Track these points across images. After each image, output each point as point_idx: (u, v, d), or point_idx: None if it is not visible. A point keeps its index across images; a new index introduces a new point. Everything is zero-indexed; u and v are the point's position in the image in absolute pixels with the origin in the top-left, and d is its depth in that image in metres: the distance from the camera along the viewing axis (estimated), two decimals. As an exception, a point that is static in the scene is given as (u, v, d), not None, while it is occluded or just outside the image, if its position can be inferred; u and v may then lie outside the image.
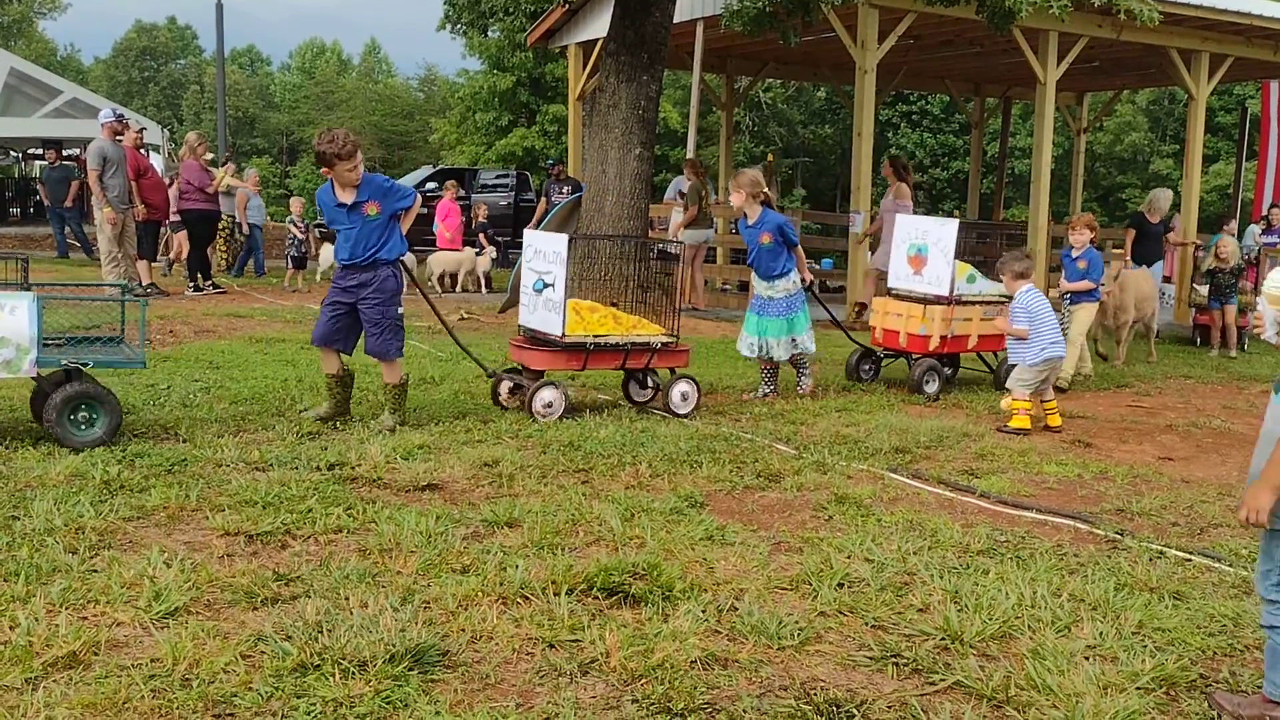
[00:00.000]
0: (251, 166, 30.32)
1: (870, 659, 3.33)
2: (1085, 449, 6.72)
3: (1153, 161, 43.68)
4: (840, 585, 3.93)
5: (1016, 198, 33.83)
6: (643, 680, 3.09)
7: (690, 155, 14.44)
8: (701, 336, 11.19)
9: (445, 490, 5.02)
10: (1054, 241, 14.88)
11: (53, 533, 4.06)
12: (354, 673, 3.01)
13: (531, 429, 6.32)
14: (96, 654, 3.10)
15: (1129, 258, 12.87)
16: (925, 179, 42.53)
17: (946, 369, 8.71)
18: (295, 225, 14.66)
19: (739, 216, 8.02)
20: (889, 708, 3.02)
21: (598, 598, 3.69)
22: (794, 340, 7.81)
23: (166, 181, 14.63)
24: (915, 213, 12.38)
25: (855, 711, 2.98)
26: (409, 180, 23.42)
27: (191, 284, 13.20)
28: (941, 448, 6.46)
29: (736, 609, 3.64)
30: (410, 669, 3.06)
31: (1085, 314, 8.98)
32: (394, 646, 3.13)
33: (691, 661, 3.22)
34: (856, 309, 12.35)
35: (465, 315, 12.02)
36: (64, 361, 5.40)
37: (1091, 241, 8.99)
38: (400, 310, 6.29)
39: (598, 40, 15.29)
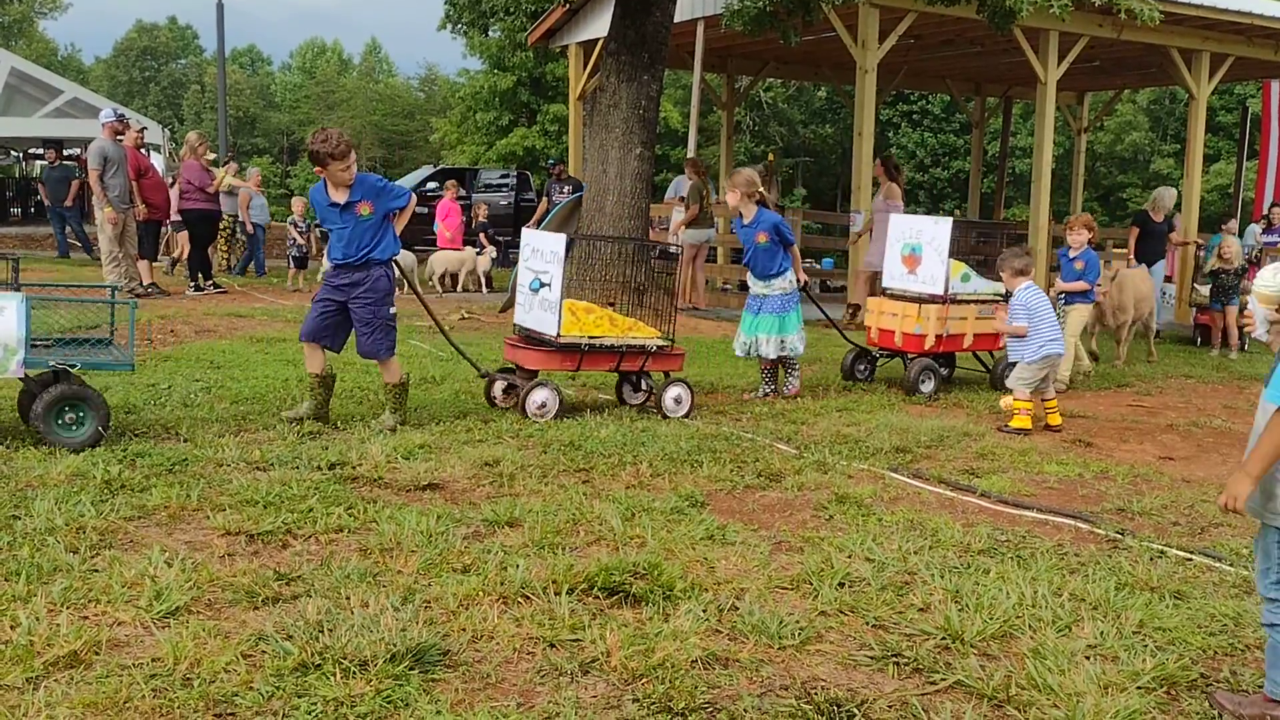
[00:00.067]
0: (253, 166, 30.31)
1: (871, 658, 3.33)
2: (1086, 448, 6.72)
3: (1153, 161, 43.66)
4: (841, 585, 3.93)
5: (1017, 197, 33.82)
6: (643, 680, 3.09)
7: (691, 155, 14.44)
8: (702, 336, 11.19)
9: (446, 490, 5.03)
10: (1055, 241, 14.88)
11: (54, 532, 4.06)
12: (355, 672, 3.01)
13: (532, 429, 6.32)
14: (97, 653, 3.10)
15: (1132, 256, 12.88)
16: (926, 179, 42.53)
17: (943, 368, 8.71)
18: (296, 226, 14.67)
19: (735, 216, 8.02)
20: (890, 707, 3.02)
21: (598, 597, 3.69)
22: (782, 341, 7.78)
23: (169, 181, 14.65)
24: (916, 213, 12.39)
25: (856, 711, 2.98)
26: (410, 180, 23.44)
27: (192, 284, 13.21)
28: (942, 447, 6.46)
29: (737, 608, 3.64)
30: (411, 668, 3.06)
31: (1078, 315, 8.96)
32: (395, 646, 3.13)
33: (692, 661, 3.22)
34: (850, 310, 12.35)
35: (466, 315, 12.02)
36: (51, 363, 5.38)
37: (1090, 242, 8.99)
38: (392, 310, 6.28)
39: (598, 40, 15.29)
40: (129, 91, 66.98)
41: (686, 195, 13.45)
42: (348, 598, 3.55)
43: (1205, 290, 12.98)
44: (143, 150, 13.11)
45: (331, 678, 2.98)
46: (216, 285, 13.51)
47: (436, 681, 3.04)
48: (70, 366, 5.39)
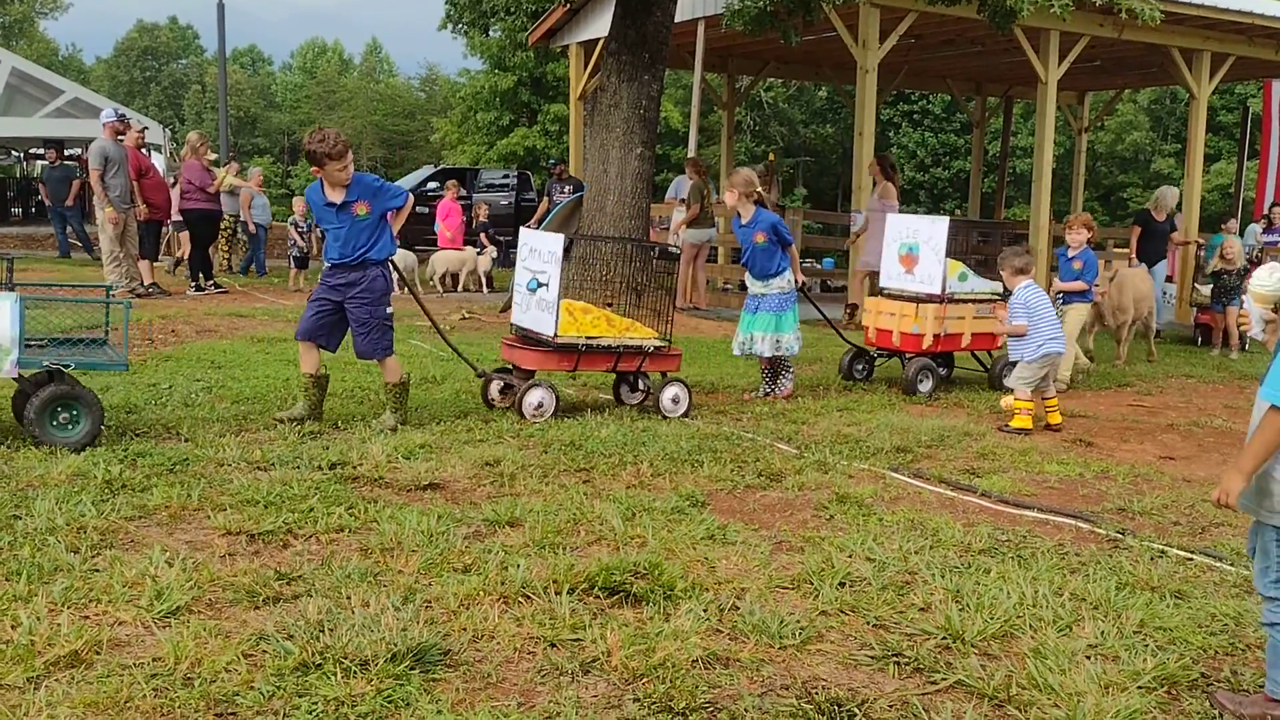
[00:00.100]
0: (255, 166, 30.32)
1: (872, 658, 3.33)
2: (1087, 448, 6.72)
3: (1154, 161, 43.66)
4: (842, 584, 3.93)
5: (1018, 197, 33.81)
6: (644, 679, 3.09)
7: (692, 154, 14.44)
8: (703, 336, 11.19)
9: (447, 489, 5.03)
10: (1056, 241, 14.87)
11: (55, 532, 4.06)
12: (356, 672, 3.01)
13: (533, 428, 6.32)
14: (98, 653, 3.10)
15: (1134, 255, 12.88)
16: (927, 178, 42.53)
17: (941, 368, 8.71)
18: (297, 226, 14.67)
19: (734, 215, 8.01)
20: (890, 707, 3.02)
21: (599, 597, 3.70)
22: (778, 340, 7.76)
23: (170, 181, 14.65)
24: (916, 212, 12.39)
25: (857, 710, 2.98)
26: (411, 180, 23.43)
27: (193, 284, 13.22)
28: (943, 447, 6.47)
29: (738, 608, 3.64)
30: (412, 668, 3.06)
31: (1076, 315, 8.93)
32: (396, 645, 3.13)
33: (693, 661, 3.22)
34: (848, 310, 12.35)
35: (467, 315, 12.03)
36: (45, 363, 5.38)
37: (1089, 241, 8.98)
38: (389, 310, 6.27)
39: (599, 40, 15.30)
40: (130, 91, 67.00)
41: (688, 195, 13.45)
42: (348, 597, 3.55)
43: (1206, 290, 12.98)
44: (143, 150, 13.12)
45: (332, 677, 2.98)
46: (217, 285, 13.52)
47: (437, 681, 3.04)
48: (64, 366, 5.38)
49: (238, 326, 10.41)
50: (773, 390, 7.89)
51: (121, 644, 3.18)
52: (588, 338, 6.78)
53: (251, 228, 16.13)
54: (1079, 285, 8.80)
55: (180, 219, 13.91)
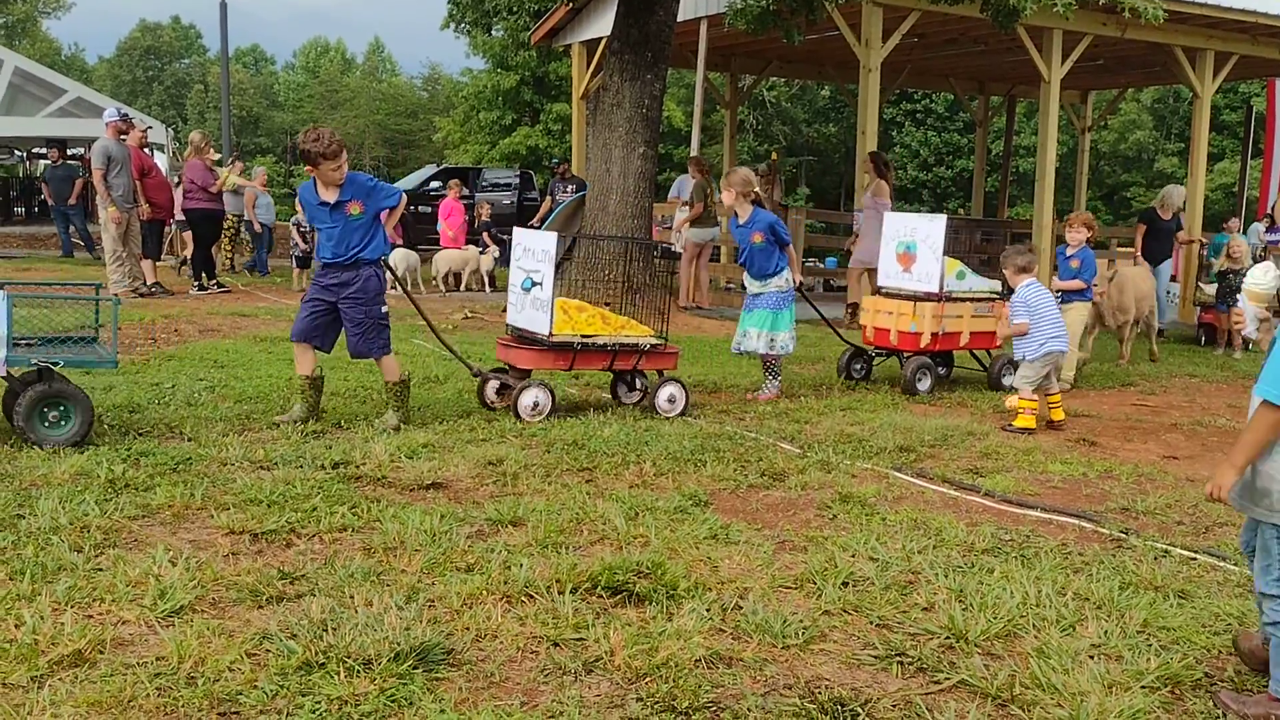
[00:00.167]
0: (259, 165, 30.35)
1: (875, 658, 3.33)
2: (1090, 448, 6.71)
3: (1157, 160, 43.63)
4: (845, 584, 3.93)
5: (1021, 196, 33.79)
6: (647, 679, 3.09)
7: (694, 154, 14.44)
8: (705, 336, 11.19)
9: (449, 489, 5.03)
10: (1059, 240, 14.86)
11: (58, 531, 4.07)
12: (359, 671, 3.01)
13: (535, 428, 6.32)
14: (102, 652, 3.10)
15: (1139, 254, 12.86)
16: (930, 177, 42.51)
17: (940, 367, 8.69)
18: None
19: (731, 215, 7.99)
20: (893, 706, 3.02)
21: (602, 596, 3.69)
22: (773, 338, 7.73)
23: (174, 181, 14.67)
24: (919, 211, 12.38)
25: (860, 710, 2.98)
26: (413, 179, 23.43)
27: (196, 283, 13.23)
28: (946, 446, 6.46)
29: (741, 608, 3.64)
30: (415, 667, 3.06)
31: (1076, 314, 8.87)
32: (399, 645, 3.13)
33: (696, 660, 3.22)
34: (850, 310, 12.36)
35: (469, 315, 12.03)
36: (34, 361, 5.37)
37: (1089, 241, 8.96)
38: (384, 309, 6.26)
39: (601, 39, 15.30)
40: (132, 91, 67.05)
41: (690, 194, 13.45)
42: (351, 597, 3.55)
43: (1210, 290, 12.96)
44: (146, 150, 13.13)
45: (335, 676, 2.98)
46: (220, 285, 13.52)
47: (440, 680, 3.04)
48: (53, 364, 5.38)
49: (240, 326, 10.42)
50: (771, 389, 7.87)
51: (125, 643, 3.19)
52: (583, 336, 6.75)
53: (257, 227, 16.13)
54: (1076, 284, 8.78)
55: (183, 218, 13.92)
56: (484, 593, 3.66)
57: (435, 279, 15.08)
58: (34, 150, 28.89)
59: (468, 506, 4.70)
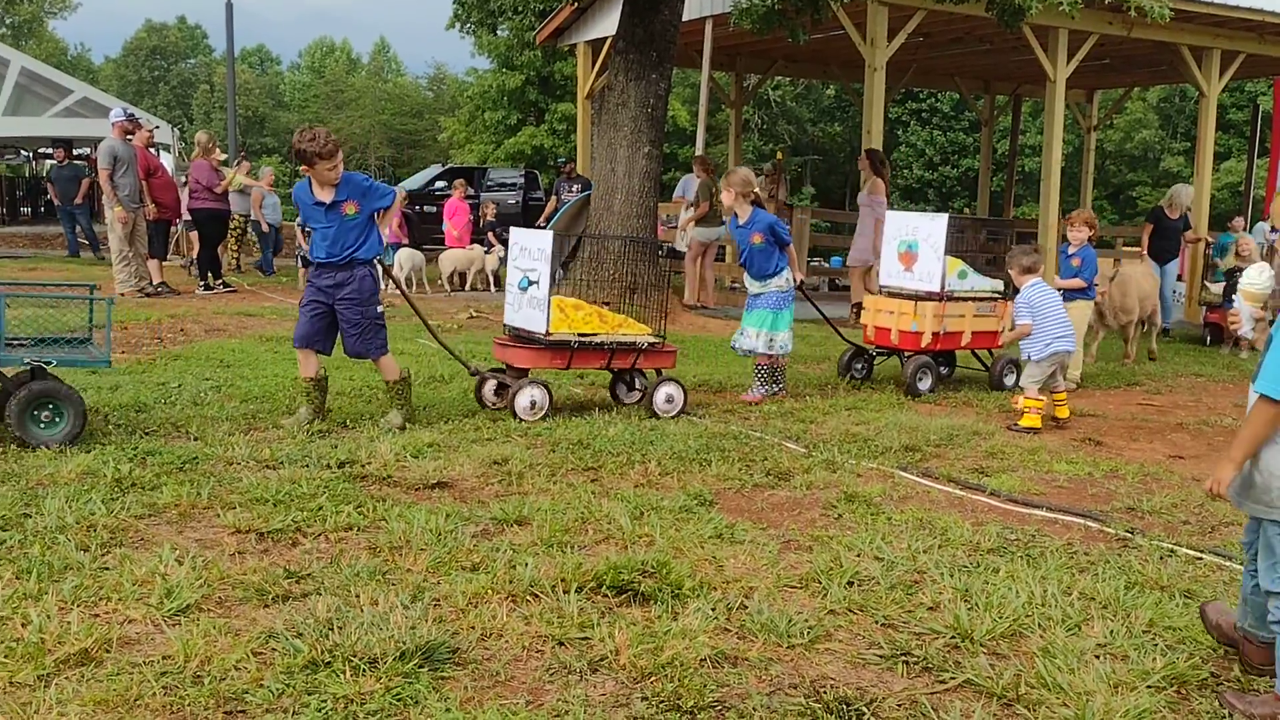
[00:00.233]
0: (266, 165, 30.39)
1: (880, 657, 3.33)
2: (1096, 447, 6.70)
3: (1163, 159, 43.55)
4: (850, 583, 3.92)
5: (1027, 195, 33.74)
6: (652, 678, 3.09)
7: (699, 153, 14.43)
8: (710, 335, 11.19)
9: (455, 488, 5.03)
10: (1063, 239, 14.83)
11: (64, 530, 4.08)
12: (365, 670, 3.02)
13: (540, 427, 6.32)
14: (108, 651, 3.11)
15: (1145, 253, 12.83)
16: (935, 177, 42.48)
17: (942, 367, 8.67)
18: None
19: (731, 215, 7.98)
20: (899, 706, 3.02)
21: (607, 595, 3.70)
22: (771, 338, 7.71)
23: (181, 181, 14.69)
24: (925, 210, 12.36)
25: (865, 710, 2.97)
26: (418, 179, 23.44)
27: (202, 283, 13.26)
28: (951, 446, 6.45)
29: (746, 607, 3.64)
30: (421, 666, 3.07)
31: (1078, 312, 8.84)
32: (404, 644, 3.14)
33: (701, 659, 3.22)
34: (854, 310, 12.37)
35: (474, 314, 12.04)
36: (26, 360, 5.38)
37: (1090, 239, 8.94)
38: (380, 309, 6.25)
39: (606, 38, 15.30)
40: (138, 91, 67.19)
41: (695, 193, 13.46)
42: (357, 595, 3.56)
43: (1216, 289, 12.93)
44: (152, 150, 13.16)
45: (341, 675, 2.98)
46: (226, 284, 13.55)
47: (446, 679, 3.04)
48: (45, 364, 5.39)
49: (246, 325, 10.44)
50: (780, 389, 7.87)
51: (131, 642, 3.19)
52: (580, 335, 6.73)
53: (264, 227, 16.14)
54: (1077, 283, 8.76)
55: (190, 218, 13.95)
56: (489, 592, 3.66)
57: (440, 279, 15.09)
58: (40, 150, 28.96)
59: (473, 506, 4.71)
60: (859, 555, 4.25)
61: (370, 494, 4.81)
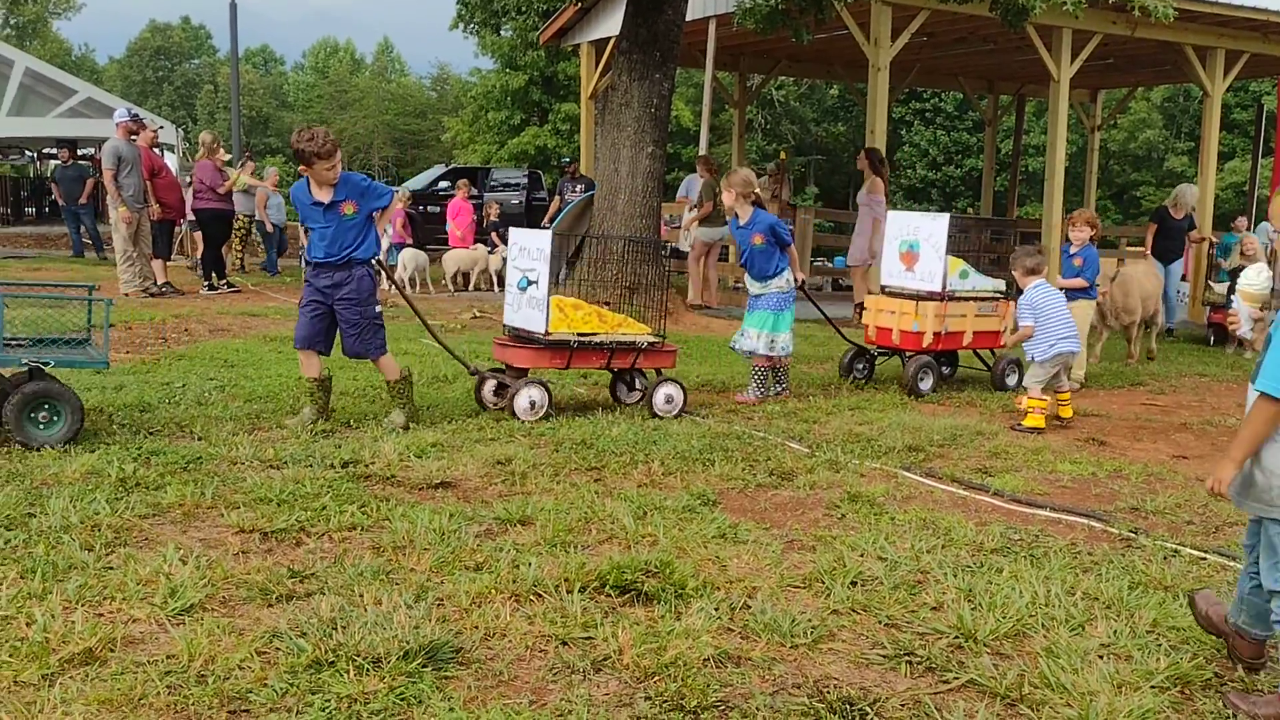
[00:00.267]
0: (270, 165, 30.42)
1: (883, 657, 3.33)
2: (1099, 447, 6.70)
3: (1167, 159, 43.47)
4: (853, 583, 3.92)
5: (1030, 195, 33.70)
6: (655, 678, 3.09)
7: (703, 153, 14.43)
8: (713, 335, 11.19)
9: (458, 488, 5.04)
10: (1066, 239, 14.81)
11: (69, 530, 4.09)
12: (368, 669, 3.02)
13: (543, 427, 6.33)
14: (112, 650, 3.12)
15: (1149, 252, 12.82)
16: (939, 176, 42.43)
17: (944, 366, 8.66)
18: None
19: (732, 215, 7.98)
20: (902, 706, 3.02)
21: (610, 595, 3.70)
22: (773, 339, 7.70)
23: (185, 181, 14.71)
24: (929, 210, 12.36)
25: (868, 709, 2.97)
26: (422, 179, 23.46)
27: (206, 283, 13.27)
28: (955, 446, 6.45)
29: (749, 607, 3.64)
30: (424, 666, 3.07)
31: (1081, 312, 8.82)
32: (408, 643, 3.14)
33: (704, 659, 3.22)
34: (858, 310, 12.35)
35: (478, 314, 12.04)
36: (24, 361, 5.38)
37: (1092, 239, 8.92)
38: (378, 309, 6.25)
39: (610, 38, 15.31)
40: (142, 91, 67.26)
41: (699, 193, 13.46)
42: (361, 595, 3.56)
43: (1220, 289, 12.91)
44: (156, 150, 13.18)
45: (345, 675, 2.99)
46: (230, 285, 13.56)
47: (449, 679, 3.05)
48: (43, 364, 5.39)
49: (250, 325, 10.45)
50: (783, 389, 7.87)
51: (135, 641, 3.20)
52: (579, 334, 6.72)
53: (269, 227, 16.15)
54: (1079, 283, 8.74)
55: (194, 219, 13.97)
56: (493, 591, 3.66)
57: (444, 279, 15.10)
58: (44, 150, 29.01)
59: (476, 505, 4.71)
60: (862, 555, 4.25)
61: (374, 494, 4.82)
